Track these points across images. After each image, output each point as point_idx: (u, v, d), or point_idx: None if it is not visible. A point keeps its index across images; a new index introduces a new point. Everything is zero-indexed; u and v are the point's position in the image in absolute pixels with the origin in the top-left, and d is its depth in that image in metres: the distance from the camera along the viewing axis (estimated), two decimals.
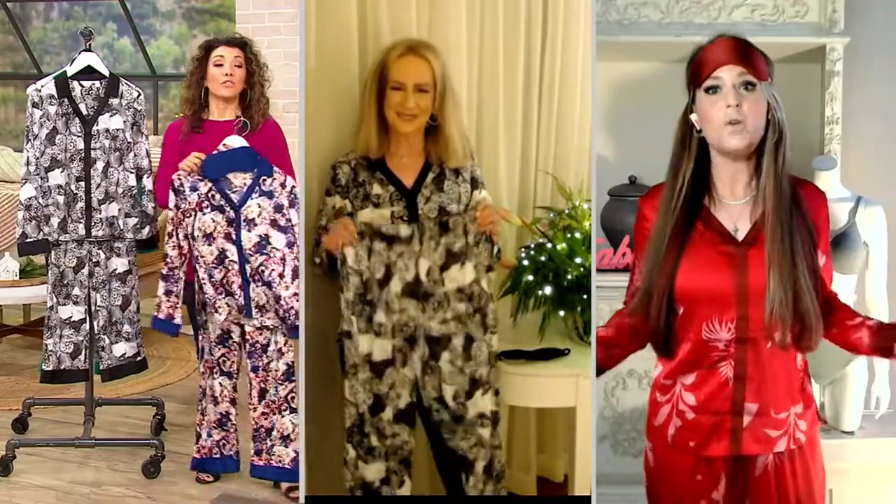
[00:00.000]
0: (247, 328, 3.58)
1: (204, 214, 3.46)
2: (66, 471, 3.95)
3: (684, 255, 2.09)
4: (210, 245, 3.48)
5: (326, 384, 3.02)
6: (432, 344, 2.83)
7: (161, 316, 3.64)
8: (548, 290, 3.02)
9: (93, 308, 3.87)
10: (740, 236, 2.12)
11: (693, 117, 2.15)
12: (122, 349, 3.92)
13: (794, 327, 2.04)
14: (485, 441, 2.86)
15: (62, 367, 3.90)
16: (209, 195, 3.47)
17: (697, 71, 2.11)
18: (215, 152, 3.49)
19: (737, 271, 2.08)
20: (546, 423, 3.29)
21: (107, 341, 3.88)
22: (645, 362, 3.50)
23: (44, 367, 3.91)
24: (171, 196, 3.51)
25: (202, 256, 3.50)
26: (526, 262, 3.05)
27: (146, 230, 3.87)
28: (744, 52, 2.07)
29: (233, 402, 3.70)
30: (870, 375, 3.31)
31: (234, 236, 3.47)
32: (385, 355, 2.81)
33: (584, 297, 2.99)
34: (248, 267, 3.47)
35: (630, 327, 2.25)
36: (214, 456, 3.75)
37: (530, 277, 3.03)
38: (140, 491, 3.75)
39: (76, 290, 3.85)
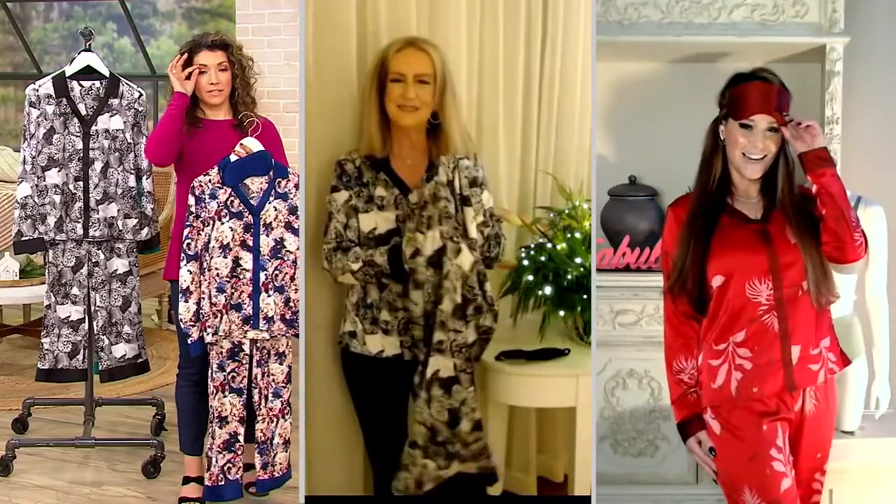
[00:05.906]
0: (257, 338, 3.40)
1: (222, 224, 3.30)
2: (66, 471, 3.94)
3: (716, 236, 2.54)
4: (226, 257, 3.31)
5: (326, 384, 3.03)
6: None
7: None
8: (548, 290, 3.02)
9: (92, 308, 3.86)
10: (757, 217, 2.58)
11: (721, 129, 2.57)
12: (122, 350, 3.91)
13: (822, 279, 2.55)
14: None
15: (59, 367, 3.89)
16: (228, 202, 3.31)
17: (736, 106, 2.54)
18: (234, 157, 3.34)
19: (762, 239, 2.53)
20: (546, 423, 3.28)
21: (106, 342, 3.88)
22: (645, 363, 3.52)
23: (40, 365, 3.90)
24: (192, 203, 3.32)
25: (215, 269, 3.31)
26: (526, 262, 3.05)
27: (145, 231, 3.87)
28: (776, 102, 2.52)
29: (241, 420, 3.44)
30: (870, 375, 3.31)
31: (250, 243, 3.33)
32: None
33: (584, 297, 2.99)
34: (262, 275, 3.33)
35: (694, 343, 2.63)
36: (220, 483, 3.44)
37: (530, 277, 3.03)
38: (140, 491, 3.75)
39: (75, 290, 3.85)
